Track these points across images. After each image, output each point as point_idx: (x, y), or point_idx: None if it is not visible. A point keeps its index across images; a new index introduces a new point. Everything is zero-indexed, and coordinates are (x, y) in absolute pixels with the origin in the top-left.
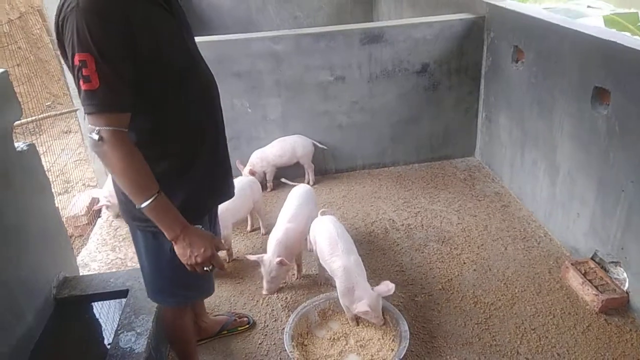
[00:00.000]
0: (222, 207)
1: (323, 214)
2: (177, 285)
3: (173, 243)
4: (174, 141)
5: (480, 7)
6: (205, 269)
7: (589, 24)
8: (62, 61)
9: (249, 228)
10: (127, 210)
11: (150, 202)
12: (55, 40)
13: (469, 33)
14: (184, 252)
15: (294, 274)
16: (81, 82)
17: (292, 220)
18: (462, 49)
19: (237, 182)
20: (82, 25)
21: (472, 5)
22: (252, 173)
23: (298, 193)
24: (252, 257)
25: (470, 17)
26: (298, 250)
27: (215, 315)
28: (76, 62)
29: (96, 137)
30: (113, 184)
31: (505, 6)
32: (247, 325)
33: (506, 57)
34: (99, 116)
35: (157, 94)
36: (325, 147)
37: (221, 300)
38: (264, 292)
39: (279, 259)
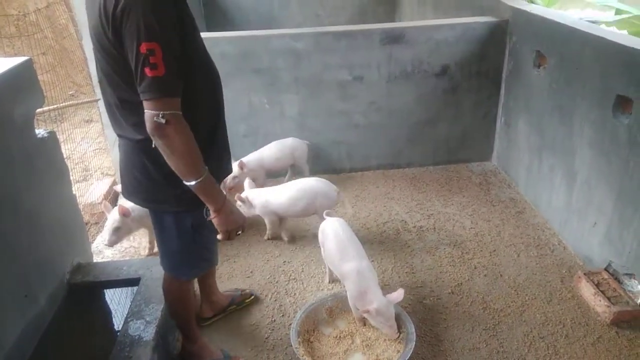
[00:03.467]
0: None
1: (328, 214)
2: (195, 258)
3: (216, 213)
4: (197, 119)
5: (503, 10)
6: (238, 233)
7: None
8: (85, 51)
9: None
10: (151, 195)
11: (203, 178)
12: (105, 26)
13: (491, 36)
14: (225, 221)
15: None
16: (147, 70)
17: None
18: (483, 52)
19: None
20: (150, 17)
21: (495, 9)
22: (240, 167)
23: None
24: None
25: (493, 21)
26: None
27: (224, 292)
28: (143, 50)
29: (163, 120)
30: (126, 177)
31: (529, 10)
32: (252, 297)
33: (528, 61)
34: (165, 101)
35: (184, 78)
36: (308, 142)
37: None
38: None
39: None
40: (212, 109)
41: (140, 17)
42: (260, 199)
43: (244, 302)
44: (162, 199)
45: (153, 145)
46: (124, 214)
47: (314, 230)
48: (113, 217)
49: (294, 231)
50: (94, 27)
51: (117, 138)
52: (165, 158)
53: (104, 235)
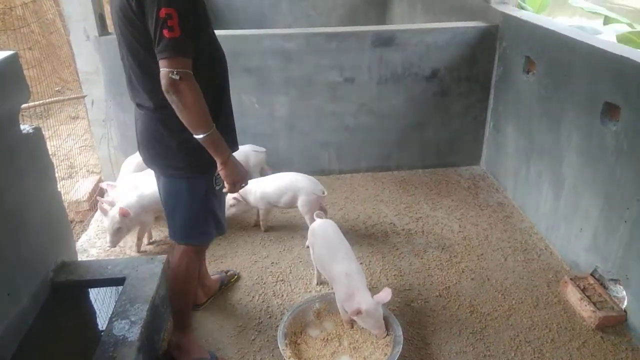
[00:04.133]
0: None
1: (318, 216)
2: (205, 224)
3: (222, 166)
4: (206, 90)
5: (494, 15)
6: (242, 185)
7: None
8: (72, 47)
9: None
10: (167, 162)
11: (211, 132)
12: (128, 4)
13: (482, 41)
14: (230, 172)
15: None
16: (165, 31)
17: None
18: (473, 56)
19: None
20: None
21: (486, 14)
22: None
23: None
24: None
25: (484, 26)
26: None
27: (212, 276)
28: (162, 15)
29: (177, 77)
30: (145, 146)
31: (520, 16)
32: (236, 277)
33: (517, 67)
34: (179, 60)
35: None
36: (264, 150)
37: (217, 294)
38: None
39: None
40: (217, 84)
41: None
42: (255, 190)
43: (230, 282)
44: (178, 165)
45: (167, 114)
46: (124, 214)
47: (302, 231)
48: (113, 218)
49: (283, 233)
50: (119, 4)
51: (136, 108)
52: (177, 113)
53: (89, 234)
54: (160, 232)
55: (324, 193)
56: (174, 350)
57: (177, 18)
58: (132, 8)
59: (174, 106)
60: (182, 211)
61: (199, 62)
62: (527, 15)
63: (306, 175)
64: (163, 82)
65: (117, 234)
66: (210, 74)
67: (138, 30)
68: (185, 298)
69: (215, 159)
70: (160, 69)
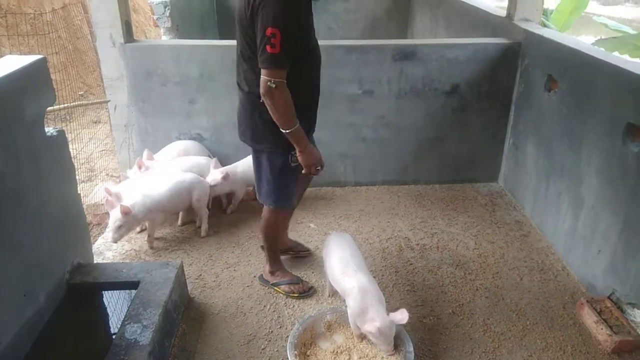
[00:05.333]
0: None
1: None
2: (280, 193)
3: (300, 153)
4: (298, 92)
5: (516, 32)
6: (317, 168)
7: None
8: (98, 53)
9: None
10: (256, 137)
11: (295, 128)
12: (246, 11)
13: (503, 58)
14: (307, 157)
15: None
16: (268, 47)
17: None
18: (494, 73)
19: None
20: (277, 10)
21: (508, 30)
22: (224, 178)
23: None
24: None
25: (506, 42)
26: None
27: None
28: (267, 33)
29: (273, 85)
30: (241, 122)
31: (542, 34)
32: (307, 251)
33: (539, 85)
34: (276, 71)
35: (293, 60)
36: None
37: (228, 302)
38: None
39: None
40: (311, 80)
41: (271, 9)
42: (236, 172)
43: (299, 253)
44: (261, 141)
45: (261, 101)
46: (125, 212)
47: (315, 243)
48: (115, 215)
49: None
50: (239, 10)
51: (237, 89)
52: (270, 112)
53: (107, 236)
54: (170, 229)
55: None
56: (269, 276)
57: (279, 37)
58: (246, 20)
59: (267, 107)
60: (263, 179)
61: (299, 63)
62: (550, 32)
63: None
64: (261, 86)
65: (118, 231)
66: (306, 72)
67: (250, 36)
68: (273, 241)
69: (295, 146)
70: (261, 76)
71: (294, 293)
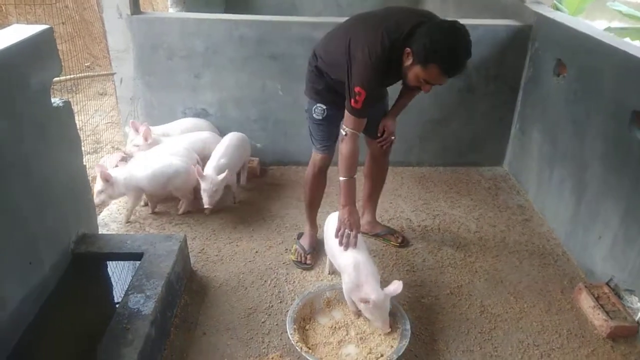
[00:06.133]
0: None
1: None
2: (316, 137)
3: (341, 207)
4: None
5: (527, 15)
6: (348, 232)
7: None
8: (104, 24)
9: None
10: (307, 90)
11: (347, 179)
12: (347, 58)
13: (513, 40)
14: (342, 215)
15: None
16: (352, 101)
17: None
18: (503, 55)
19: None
20: (368, 73)
21: (519, 13)
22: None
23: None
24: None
25: (517, 25)
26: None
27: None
28: (356, 90)
29: (344, 133)
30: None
31: (554, 17)
32: (401, 240)
33: (548, 69)
34: (353, 120)
35: None
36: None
37: (230, 276)
38: (206, 206)
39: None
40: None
41: (363, 70)
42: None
43: (389, 241)
44: (307, 92)
45: (311, 69)
46: (105, 178)
47: (319, 222)
48: (98, 180)
49: (299, 221)
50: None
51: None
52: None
53: (111, 208)
54: (174, 203)
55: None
56: (300, 235)
57: (364, 96)
58: (346, 60)
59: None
60: (316, 130)
61: None
62: (562, 16)
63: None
64: (341, 129)
65: (98, 195)
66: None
67: (344, 69)
68: (307, 195)
69: (339, 200)
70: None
71: (294, 256)
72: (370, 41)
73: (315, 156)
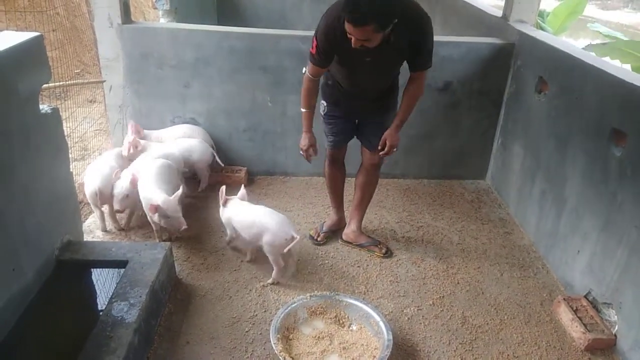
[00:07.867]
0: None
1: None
2: (330, 132)
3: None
4: (334, 80)
5: (511, 33)
6: (304, 150)
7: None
8: (95, 32)
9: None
10: (321, 88)
11: (304, 111)
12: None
13: (496, 58)
14: (302, 139)
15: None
16: (311, 48)
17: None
18: (487, 72)
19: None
20: (321, 27)
21: (503, 31)
22: None
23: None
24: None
25: (500, 42)
26: None
27: (365, 235)
28: (313, 40)
29: (303, 72)
30: None
31: (536, 36)
32: (385, 253)
33: (530, 86)
34: (309, 65)
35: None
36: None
37: (215, 285)
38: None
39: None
40: (338, 82)
41: (319, 24)
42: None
43: (373, 252)
44: (320, 89)
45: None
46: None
47: (303, 231)
48: (119, 184)
49: None
50: None
51: None
52: None
53: (97, 216)
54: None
55: (293, 238)
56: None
57: (315, 44)
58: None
59: None
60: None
61: (334, 68)
62: (544, 35)
63: (278, 214)
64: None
65: (123, 200)
66: (337, 76)
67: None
68: (327, 186)
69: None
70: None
71: (312, 232)
72: (332, 8)
73: (327, 150)
